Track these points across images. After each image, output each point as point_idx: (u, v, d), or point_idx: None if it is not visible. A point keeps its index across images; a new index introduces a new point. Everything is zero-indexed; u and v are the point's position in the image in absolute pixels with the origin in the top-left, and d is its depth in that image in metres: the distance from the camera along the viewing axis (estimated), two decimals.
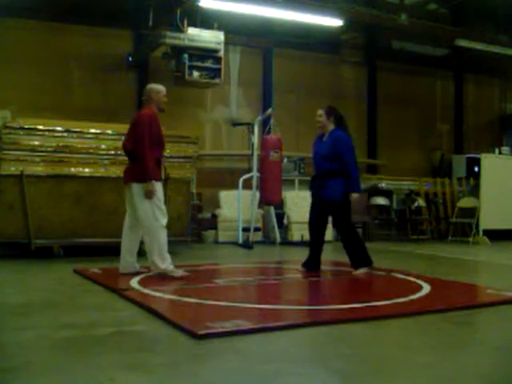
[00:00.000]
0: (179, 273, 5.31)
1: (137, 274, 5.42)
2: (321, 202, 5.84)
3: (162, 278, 5.19)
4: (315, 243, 5.99)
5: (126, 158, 7.34)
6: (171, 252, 7.71)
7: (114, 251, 7.64)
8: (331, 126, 5.82)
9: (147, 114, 5.34)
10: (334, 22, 10.52)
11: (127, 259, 5.50)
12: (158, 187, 5.33)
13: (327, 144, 5.81)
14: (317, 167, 5.94)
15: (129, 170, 5.44)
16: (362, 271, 5.80)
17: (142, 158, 5.22)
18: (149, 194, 5.20)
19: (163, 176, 5.76)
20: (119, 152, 7.37)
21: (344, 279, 5.83)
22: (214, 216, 10.23)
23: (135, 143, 5.30)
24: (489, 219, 10.74)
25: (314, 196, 6.01)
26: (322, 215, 5.94)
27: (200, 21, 10.05)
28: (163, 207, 5.35)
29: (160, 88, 5.51)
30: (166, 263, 5.25)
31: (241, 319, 3.54)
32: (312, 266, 5.92)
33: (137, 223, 5.43)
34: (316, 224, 5.97)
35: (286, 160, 10.78)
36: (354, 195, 5.67)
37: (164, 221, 5.30)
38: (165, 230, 5.31)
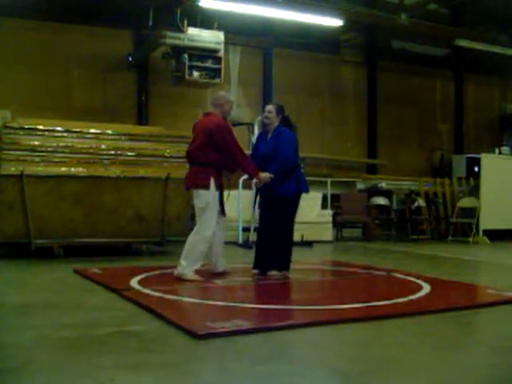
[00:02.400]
0: (194, 277, 5.25)
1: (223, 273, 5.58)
2: (271, 199, 5.60)
3: (176, 278, 5.18)
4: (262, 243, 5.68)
5: (126, 158, 7.43)
6: (171, 252, 7.75)
7: (114, 251, 7.67)
8: (276, 124, 5.68)
9: (222, 121, 5.34)
10: (334, 21, 10.52)
11: (220, 261, 5.64)
12: (216, 196, 5.31)
13: (271, 143, 5.60)
14: (263, 168, 5.52)
15: (191, 175, 5.39)
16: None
17: (240, 163, 5.32)
18: (262, 179, 5.36)
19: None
20: (119, 152, 7.40)
21: (344, 279, 5.83)
22: None
23: (212, 151, 5.24)
24: (489, 219, 10.73)
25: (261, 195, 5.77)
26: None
27: (200, 21, 10.06)
28: (215, 218, 5.32)
29: (231, 98, 5.60)
30: (188, 269, 5.21)
31: (241, 319, 3.53)
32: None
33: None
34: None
35: None
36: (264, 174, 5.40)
37: (210, 232, 5.28)
38: (209, 240, 5.30)
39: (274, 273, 5.53)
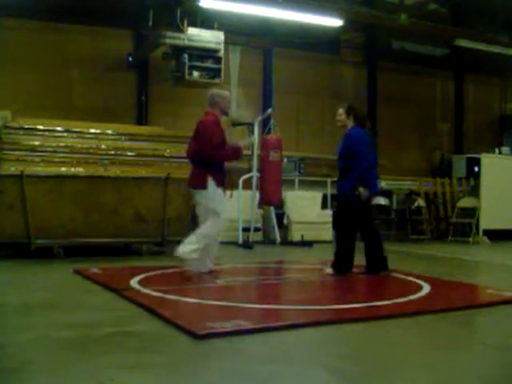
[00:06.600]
0: (198, 266, 5.40)
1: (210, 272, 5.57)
2: (338, 200, 5.86)
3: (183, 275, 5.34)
4: (339, 245, 5.83)
5: (126, 158, 7.44)
6: (171, 252, 7.74)
7: (114, 251, 7.67)
8: (350, 124, 5.78)
9: (207, 121, 5.44)
10: (334, 21, 10.51)
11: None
12: (219, 192, 5.43)
13: (342, 142, 5.81)
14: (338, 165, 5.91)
15: (191, 176, 5.56)
16: (329, 271, 5.77)
17: (217, 159, 5.38)
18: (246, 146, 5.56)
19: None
20: (119, 152, 7.41)
21: (344, 279, 5.82)
22: None
23: (200, 149, 5.38)
24: (489, 219, 10.73)
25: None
26: (340, 214, 5.86)
27: (200, 21, 10.05)
28: (221, 212, 5.42)
29: (226, 94, 5.66)
30: (192, 255, 5.31)
31: (241, 319, 3.53)
32: (341, 268, 5.76)
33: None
34: (337, 224, 5.90)
35: (285, 160, 10.77)
36: (360, 189, 5.48)
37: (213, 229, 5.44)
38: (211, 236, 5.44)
39: (328, 270, 5.80)
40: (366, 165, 5.58)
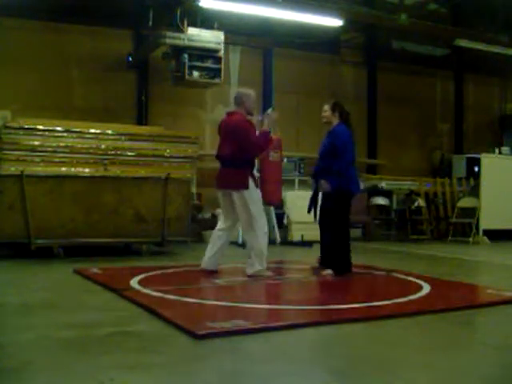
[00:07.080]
0: (268, 273, 5.48)
1: (214, 271, 5.64)
2: (324, 202, 5.77)
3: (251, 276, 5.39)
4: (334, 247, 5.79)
5: (126, 158, 7.44)
6: (171, 252, 7.75)
7: (114, 251, 7.67)
8: (335, 121, 5.77)
9: (240, 120, 5.43)
10: (334, 22, 10.51)
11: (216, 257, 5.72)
12: (258, 192, 5.49)
13: (326, 141, 5.78)
14: (317, 163, 5.92)
15: (228, 177, 5.45)
16: (328, 272, 5.70)
17: (257, 153, 5.55)
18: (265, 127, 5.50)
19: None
20: (119, 152, 7.41)
21: (344, 279, 5.82)
22: (214, 216, 10.22)
23: (240, 151, 5.36)
24: (489, 219, 10.73)
25: (315, 193, 5.90)
26: (328, 215, 5.80)
27: (200, 21, 10.05)
28: (260, 217, 5.44)
29: (250, 92, 5.67)
30: (261, 266, 5.43)
31: (241, 319, 3.53)
32: (339, 269, 5.72)
33: (229, 227, 5.64)
34: (330, 225, 5.84)
35: (285, 160, 10.77)
36: (322, 181, 5.60)
37: (262, 227, 5.43)
38: (263, 234, 5.44)
39: (326, 272, 5.68)
40: (345, 163, 5.62)
